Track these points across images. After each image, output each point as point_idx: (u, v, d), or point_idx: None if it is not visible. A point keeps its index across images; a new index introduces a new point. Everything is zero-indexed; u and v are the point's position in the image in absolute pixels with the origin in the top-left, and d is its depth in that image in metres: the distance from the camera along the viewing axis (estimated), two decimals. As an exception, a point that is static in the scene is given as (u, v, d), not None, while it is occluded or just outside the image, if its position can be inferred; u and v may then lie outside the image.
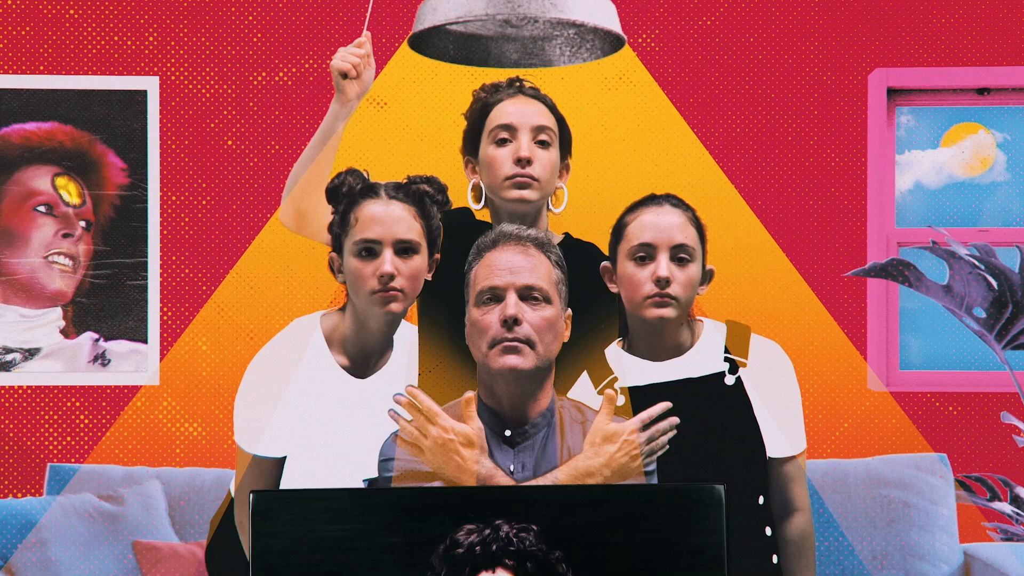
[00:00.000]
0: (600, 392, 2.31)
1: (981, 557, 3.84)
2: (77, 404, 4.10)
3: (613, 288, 2.53)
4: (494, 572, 0.95)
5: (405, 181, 2.53)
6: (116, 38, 4.10)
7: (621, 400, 2.28)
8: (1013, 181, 4.20)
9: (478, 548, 0.95)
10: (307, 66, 4.11)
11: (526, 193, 2.61)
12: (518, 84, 2.73)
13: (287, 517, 0.97)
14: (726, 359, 2.50)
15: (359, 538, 0.97)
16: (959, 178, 4.21)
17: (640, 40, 4.10)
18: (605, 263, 2.54)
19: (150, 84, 4.09)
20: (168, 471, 3.95)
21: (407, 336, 2.60)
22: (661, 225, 2.46)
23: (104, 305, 4.09)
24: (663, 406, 2.05)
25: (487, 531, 0.95)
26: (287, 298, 4.02)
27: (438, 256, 2.54)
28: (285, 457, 2.44)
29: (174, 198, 4.11)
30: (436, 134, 4.02)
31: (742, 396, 2.47)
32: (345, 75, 2.71)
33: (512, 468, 1.91)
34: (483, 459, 1.64)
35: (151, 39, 4.11)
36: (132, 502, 3.85)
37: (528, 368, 2.09)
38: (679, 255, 2.44)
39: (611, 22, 2.66)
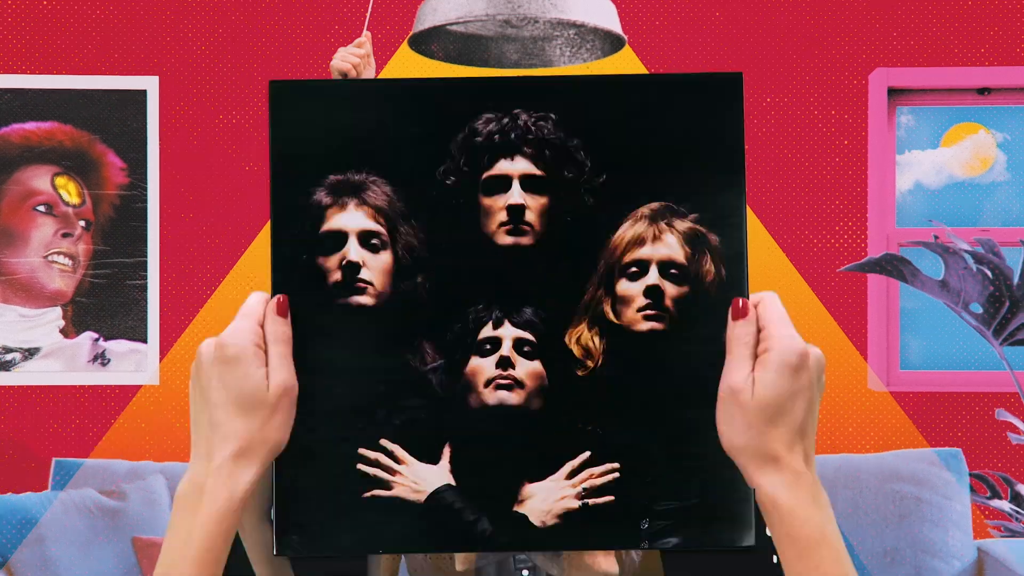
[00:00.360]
0: None
1: (995, 554, 3.80)
2: (77, 404, 4.10)
3: None
4: (512, 160, 0.98)
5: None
6: (116, 38, 4.10)
7: None
8: (1013, 181, 4.20)
9: (497, 137, 0.98)
10: (307, 66, 4.12)
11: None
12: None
13: (305, 107, 0.99)
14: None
15: (379, 128, 0.99)
16: (959, 178, 4.22)
17: (640, 40, 4.11)
18: None
19: (150, 84, 4.09)
20: (174, 466, 3.95)
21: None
22: None
23: (104, 305, 4.09)
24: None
25: (506, 120, 0.99)
26: (287, 298, 4.02)
27: None
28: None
29: (174, 198, 4.11)
30: (436, 134, 4.02)
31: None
32: (345, 75, 2.71)
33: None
34: None
35: (151, 39, 4.11)
36: (134, 497, 3.85)
37: None
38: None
39: (611, 22, 2.66)
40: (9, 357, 4.09)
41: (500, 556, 2.03)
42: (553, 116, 0.99)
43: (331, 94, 0.99)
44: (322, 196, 0.99)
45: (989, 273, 3.89)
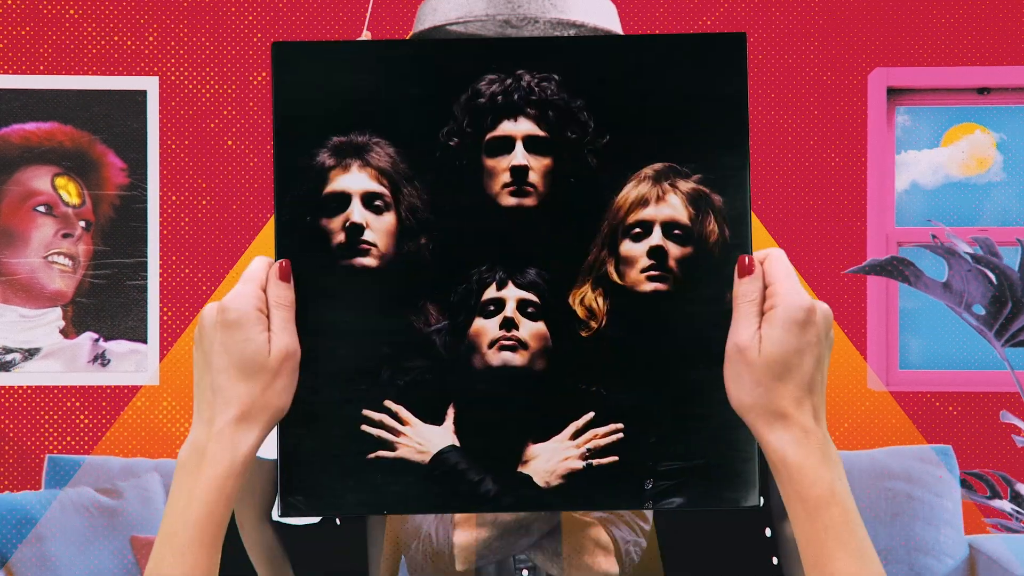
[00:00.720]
0: None
1: (986, 551, 3.80)
2: (77, 404, 4.10)
3: None
4: (515, 121, 0.98)
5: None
6: (116, 38, 4.10)
7: None
8: (1010, 181, 4.21)
9: (500, 98, 0.97)
10: (307, 66, 4.11)
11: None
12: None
13: (308, 68, 0.99)
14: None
15: (381, 89, 0.99)
16: (956, 178, 4.22)
17: (640, 40, 4.10)
18: None
19: (150, 84, 4.09)
20: (168, 463, 3.95)
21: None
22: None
23: (104, 305, 4.09)
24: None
25: (509, 81, 0.98)
26: (287, 298, 4.02)
27: None
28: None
29: (174, 198, 4.11)
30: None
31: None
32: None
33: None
34: None
35: (151, 39, 4.11)
36: (130, 496, 3.84)
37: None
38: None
39: (611, 22, 2.66)
40: (9, 357, 4.09)
41: (500, 556, 2.03)
42: (556, 77, 0.98)
43: (334, 56, 0.99)
44: (325, 158, 0.99)
45: (991, 274, 3.90)
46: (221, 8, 4.12)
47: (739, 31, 0.99)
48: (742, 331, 0.93)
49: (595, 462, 0.98)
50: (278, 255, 0.98)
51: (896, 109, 4.21)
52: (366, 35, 2.79)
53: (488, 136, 0.99)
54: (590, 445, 0.98)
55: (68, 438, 4.09)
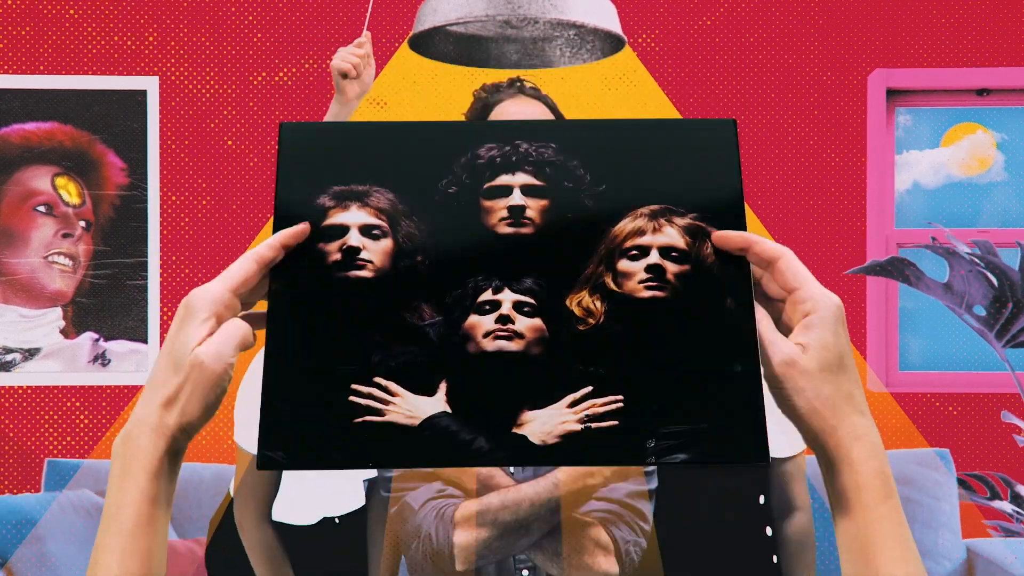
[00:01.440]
0: None
1: (984, 554, 3.81)
2: (77, 404, 4.10)
3: None
4: (514, 175, 1.00)
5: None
6: (116, 38, 4.10)
7: None
8: (1011, 181, 4.21)
9: (499, 159, 1.01)
10: (307, 66, 4.12)
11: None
12: (519, 84, 2.74)
13: (312, 145, 1.02)
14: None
15: (384, 157, 1.03)
16: (957, 178, 4.22)
17: (640, 40, 4.11)
18: None
19: (150, 84, 4.09)
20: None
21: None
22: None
23: (104, 305, 4.09)
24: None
25: (507, 148, 1.02)
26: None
27: None
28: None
29: (174, 198, 4.11)
30: (436, 134, 4.02)
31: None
32: (345, 75, 2.71)
33: (512, 468, 1.92)
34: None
35: (151, 39, 4.11)
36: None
37: None
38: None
39: (611, 23, 2.66)
40: (9, 357, 4.09)
41: (500, 556, 2.02)
42: (553, 145, 1.02)
43: (339, 136, 1.03)
44: (325, 200, 1.01)
45: (992, 276, 3.90)
46: (221, 8, 4.12)
47: (731, 117, 1.04)
48: (781, 346, 0.93)
49: (594, 425, 0.95)
50: (274, 274, 0.98)
51: (896, 110, 4.21)
52: (366, 35, 2.79)
53: (486, 185, 1.02)
54: (588, 412, 0.95)
55: (68, 438, 4.09)
